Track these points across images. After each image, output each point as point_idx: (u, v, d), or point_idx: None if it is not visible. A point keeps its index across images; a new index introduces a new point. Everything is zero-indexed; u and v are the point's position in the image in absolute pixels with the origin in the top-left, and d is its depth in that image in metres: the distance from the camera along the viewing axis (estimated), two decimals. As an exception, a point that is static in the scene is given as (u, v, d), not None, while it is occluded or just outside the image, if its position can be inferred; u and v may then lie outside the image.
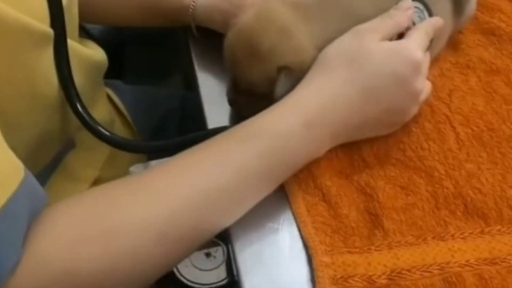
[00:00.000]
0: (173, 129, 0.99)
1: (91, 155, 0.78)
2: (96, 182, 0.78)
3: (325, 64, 0.57)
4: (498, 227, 0.54)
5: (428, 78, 0.65)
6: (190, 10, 0.71)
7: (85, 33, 0.94)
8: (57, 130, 0.66)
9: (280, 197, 0.58)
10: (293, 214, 0.56)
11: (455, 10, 0.67)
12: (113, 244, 0.47)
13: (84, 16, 0.71)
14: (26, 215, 0.47)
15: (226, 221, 0.54)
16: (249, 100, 0.59)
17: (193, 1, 0.70)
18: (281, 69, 0.57)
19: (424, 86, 0.59)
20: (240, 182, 0.52)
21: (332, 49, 0.57)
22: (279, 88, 0.57)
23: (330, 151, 0.59)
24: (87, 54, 0.68)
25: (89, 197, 0.51)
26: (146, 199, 0.49)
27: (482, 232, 0.54)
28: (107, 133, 0.63)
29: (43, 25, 0.56)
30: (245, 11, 0.60)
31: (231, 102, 0.63)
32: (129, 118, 0.91)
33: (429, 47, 0.62)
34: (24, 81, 0.56)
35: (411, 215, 0.55)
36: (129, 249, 0.47)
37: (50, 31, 0.57)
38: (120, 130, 0.88)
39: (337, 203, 0.56)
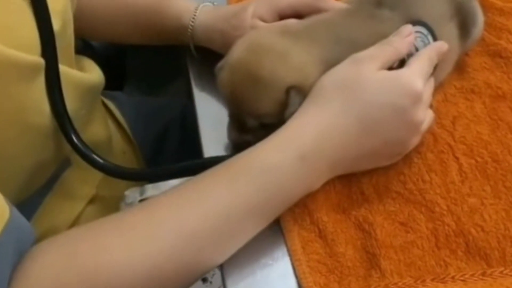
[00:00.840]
0: (173, 140, 0.98)
1: (87, 173, 0.76)
2: (93, 200, 0.77)
3: (320, 94, 0.55)
4: (501, 268, 0.52)
5: (432, 104, 0.63)
6: (189, 30, 0.69)
7: (84, 45, 0.93)
8: (51, 155, 0.65)
9: (275, 231, 0.56)
10: (288, 250, 0.54)
11: (461, 34, 0.64)
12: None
13: (82, 32, 0.70)
14: (10, 258, 0.45)
15: (219, 258, 0.52)
16: (258, 135, 0.56)
17: (192, 21, 0.69)
18: (289, 89, 0.55)
19: (426, 116, 0.57)
20: (232, 220, 0.50)
21: (328, 78, 0.55)
22: (292, 109, 0.55)
23: (327, 183, 0.57)
24: (82, 78, 0.66)
25: (71, 239, 0.49)
26: (134, 241, 0.48)
27: (483, 274, 0.52)
28: (100, 160, 0.62)
29: (33, 56, 0.54)
30: (239, 39, 0.59)
31: (238, 143, 0.61)
32: (128, 131, 0.89)
33: (434, 73, 0.60)
34: (13, 111, 0.54)
35: (410, 254, 0.53)
36: None
37: (41, 61, 0.55)
38: (119, 144, 0.87)
39: (333, 240, 0.54)
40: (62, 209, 0.72)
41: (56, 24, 0.57)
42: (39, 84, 0.56)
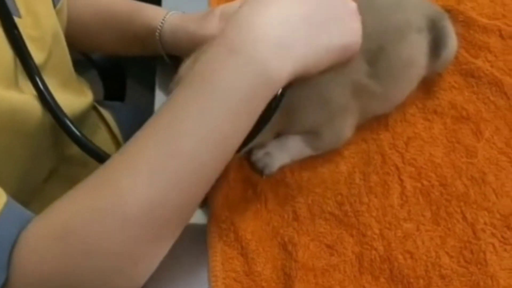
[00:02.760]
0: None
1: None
2: None
3: None
4: (422, 299, 0.49)
5: (388, 124, 0.61)
6: (157, 33, 0.70)
7: (84, 57, 0.97)
8: (47, 151, 0.67)
9: (203, 246, 0.56)
10: (208, 266, 0.54)
11: (430, 53, 0.61)
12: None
13: (72, 46, 0.73)
14: (10, 238, 0.47)
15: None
16: None
17: (160, 25, 0.70)
18: None
19: None
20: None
21: None
22: None
23: (260, 201, 0.57)
24: (71, 105, 0.69)
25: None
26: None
27: (401, 303, 0.49)
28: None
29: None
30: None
31: None
32: (121, 141, 0.92)
33: (396, 89, 0.58)
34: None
35: (330, 278, 0.52)
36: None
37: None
38: (111, 152, 0.89)
39: (253, 258, 0.53)
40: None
41: (39, 58, 0.60)
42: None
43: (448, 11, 0.70)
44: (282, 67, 0.48)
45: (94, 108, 0.88)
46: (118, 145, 0.92)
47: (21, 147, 0.61)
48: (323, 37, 0.51)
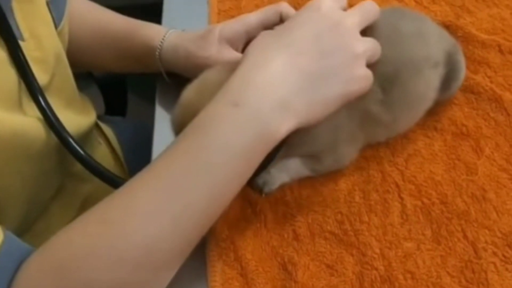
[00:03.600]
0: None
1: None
2: None
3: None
4: (423, 320, 0.49)
5: (388, 141, 0.61)
6: (157, 52, 0.70)
7: (85, 72, 0.97)
8: (54, 168, 0.68)
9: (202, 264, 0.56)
10: (207, 286, 0.54)
11: (442, 87, 0.61)
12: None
13: (71, 65, 0.74)
14: (8, 275, 0.48)
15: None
16: None
17: (160, 44, 0.70)
18: None
19: (360, 41, 0.53)
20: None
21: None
22: None
23: (259, 219, 0.57)
24: (75, 124, 0.69)
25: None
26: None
27: (402, 324, 0.49)
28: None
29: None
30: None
31: None
32: (120, 156, 0.92)
33: (404, 120, 0.59)
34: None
35: (330, 298, 0.51)
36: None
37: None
38: (109, 167, 0.89)
39: (253, 279, 0.53)
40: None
41: (43, 79, 0.61)
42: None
43: (447, 26, 0.70)
44: (282, 125, 0.50)
45: (95, 124, 0.88)
46: (117, 160, 0.92)
47: (29, 168, 0.62)
48: (324, 90, 0.52)
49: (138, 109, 1.10)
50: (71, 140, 0.61)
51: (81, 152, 0.61)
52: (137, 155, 0.94)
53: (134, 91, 1.11)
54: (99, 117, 0.91)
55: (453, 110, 0.64)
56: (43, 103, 0.59)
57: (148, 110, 1.00)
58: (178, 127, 0.56)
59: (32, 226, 0.70)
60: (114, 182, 0.60)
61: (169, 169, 0.50)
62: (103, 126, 0.93)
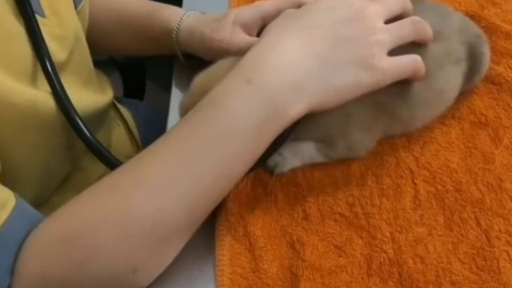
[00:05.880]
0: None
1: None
2: None
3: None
4: (431, 304, 0.48)
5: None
6: (174, 33, 0.71)
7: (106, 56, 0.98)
8: (62, 154, 0.68)
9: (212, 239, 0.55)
10: (215, 260, 0.54)
11: (464, 82, 0.60)
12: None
13: (89, 47, 0.74)
14: (17, 241, 0.48)
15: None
16: None
17: (178, 25, 0.70)
18: None
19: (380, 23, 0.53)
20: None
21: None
22: None
23: (269, 198, 0.56)
24: (92, 103, 0.70)
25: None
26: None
27: (410, 307, 0.48)
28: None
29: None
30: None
31: None
32: (137, 138, 0.93)
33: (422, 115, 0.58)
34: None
35: (337, 279, 0.51)
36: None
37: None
38: (127, 149, 0.90)
39: (260, 255, 0.53)
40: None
41: (62, 56, 0.62)
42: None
43: (471, 16, 0.69)
44: (293, 106, 0.50)
45: (112, 105, 0.89)
46: (135, 142, 0.92)
47: (45, 140, 0.62)
48: (337, 79, 0.51)
49: (155, 96, 1.11)
50: (78, 119, 0.60)
51: (87, 133, 0.61)
52: (154, 138, 0.94)
53: (153, 76, 1.11)
54: (116, 99, 0.92)
55: (472, 99, 0.63)
56: (54, 78, 0.59)
57: (165, 97, 1.00)
58: (186, 112, 0.55)
59: (49, 199, 0.70)
60: (112, 165, 0.60)
61: (180, 142, 0.50)
62: (121, 108, 0.93)
